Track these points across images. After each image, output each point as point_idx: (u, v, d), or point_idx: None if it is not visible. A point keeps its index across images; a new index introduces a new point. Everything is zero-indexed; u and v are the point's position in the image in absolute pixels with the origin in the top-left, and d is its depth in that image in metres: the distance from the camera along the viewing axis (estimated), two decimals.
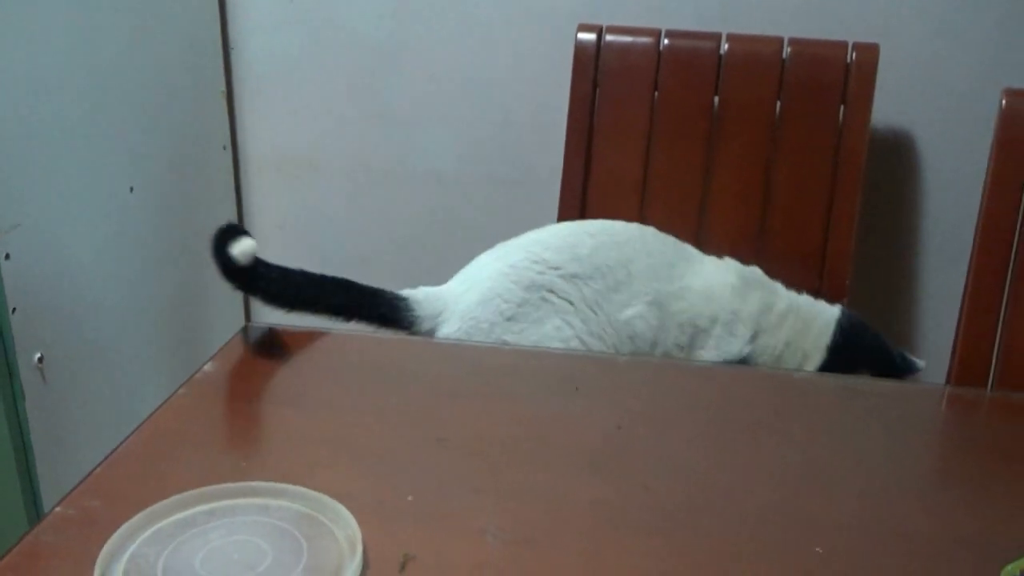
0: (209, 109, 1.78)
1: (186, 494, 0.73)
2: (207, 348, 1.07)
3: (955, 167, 1.62)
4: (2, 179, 1.26)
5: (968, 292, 1.16)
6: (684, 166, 1.53)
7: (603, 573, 0.68)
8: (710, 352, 1.22)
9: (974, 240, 1.17)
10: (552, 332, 1.18)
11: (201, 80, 1.76)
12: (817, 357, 1.25)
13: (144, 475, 0.79)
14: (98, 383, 1.48)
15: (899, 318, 1.72)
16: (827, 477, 0.83)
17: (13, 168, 1.28)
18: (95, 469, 0.80)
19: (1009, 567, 0.66)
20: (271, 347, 1.04)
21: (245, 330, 1.06)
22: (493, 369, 1.02)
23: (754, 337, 1.23)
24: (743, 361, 1.22)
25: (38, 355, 1.33)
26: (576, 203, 1.56)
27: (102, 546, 0.67)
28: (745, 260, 1.30)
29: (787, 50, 1.48)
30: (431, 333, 1.19)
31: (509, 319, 1.18)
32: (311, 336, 1.06)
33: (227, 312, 1.83)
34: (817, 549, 0.72)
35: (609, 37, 1.53)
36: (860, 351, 1.27)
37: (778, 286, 1.29)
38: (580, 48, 1.54)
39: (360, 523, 0.70)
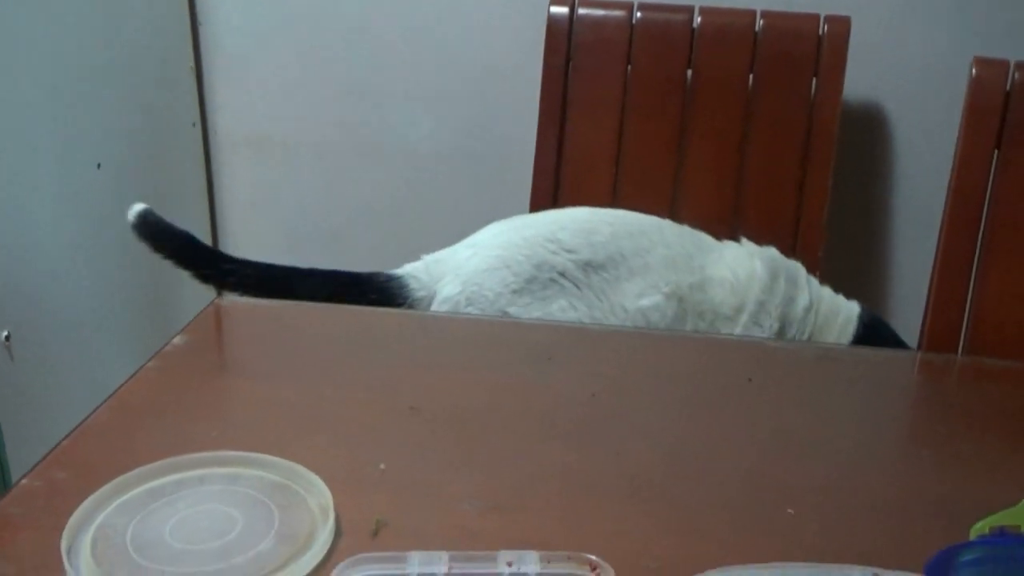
0: (177, 85, 1.76)
1: (155, 464, 0.72)
2: (178, 323, 1.06)
3: (926, 138, 1.63)
4: None
5: (939, 260, 1.16)
6: (657, 139, 1.52)
7: (577, 538, 0.68)
8: None
9: (944, 209, 1.18)
10: (557, 312, 1.16)
11: (169, 56, 1.73)
12: None
13: (112, 446, 0.78)
14: (67, 361, 1.46)
15: (871, 287, 1.73)
16: (800, 442, 0.83)
17: None
18: (62, 441, 0.79)
19: (978, 524, 0.66)
20: (242, 320, 1.03)
21: (216, 303, 1.05)
22: (465, 340, 1.01)
23: (781, 330, 1.21)
24: None
25: (5, 333, 1.31)
26: (549, 178, 1.55)
27: (69, 517, 0.67)
28: (719, 234, 1.30)
29: (760, 23, 1.47)
30: (427, 301, 1.18)
31: (515, 292, 1.16)
32: (282, 308, 1.05)
33: (199, 287, 1.81)
34: (789, 511, 0.72)
35: (582, 10, 1.52)
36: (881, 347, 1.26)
37: (799, 271, 1.26)
38: (552, 21, 1.53)
39: (333, 492, 0.70)
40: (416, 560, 0.54)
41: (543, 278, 1.17)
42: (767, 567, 0.54)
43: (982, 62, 1.19)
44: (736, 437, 0.83)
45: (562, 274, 1.18)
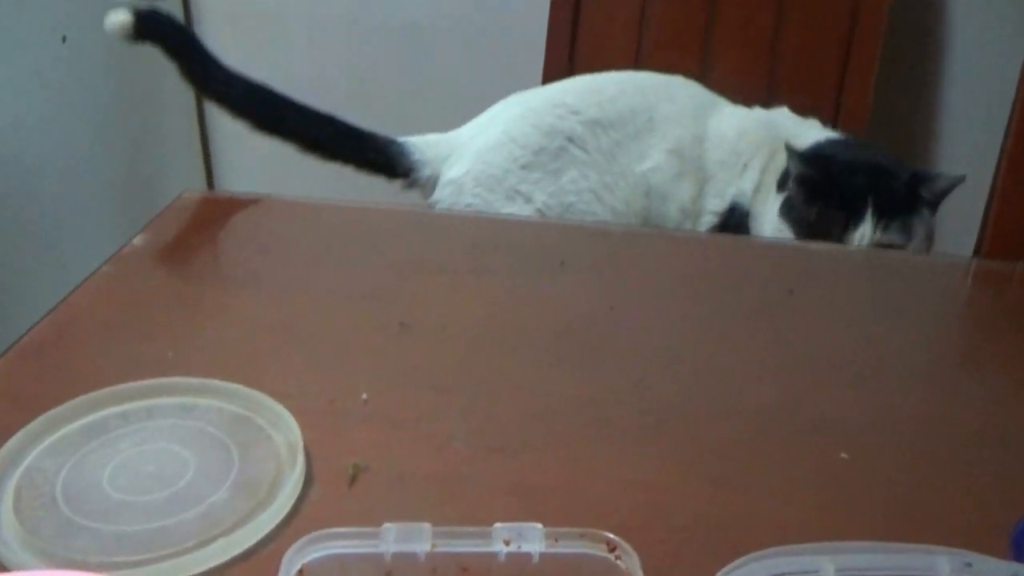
0: None
1: (95, 394, 0.62)
2: (153, 213, 0.93)
3: (992, 17, 1.45)
4: None
5: (1007, 153, 1.02)
6: (683, 11, 1.36)
7: (587, 486, 0.57)
8: (711, 201, 1.12)
9: (1016, 97, 1.03)
10: (568, 185, 1.09)
11: None
12: None
13: (52, 370, 0.67)
14: (35, 253, 1.35)
15: None
16: (851, 369, 0.71)
17: None
18: None
19: None
20: (212, 217, 0.91)
21: (184, 196, 0.92)
22: (467, 241, 0.89)
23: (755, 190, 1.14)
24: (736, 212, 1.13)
25: None
26: (563, 57, 1.40)
27: None
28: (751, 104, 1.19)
29: None
30: (432, 182, 1.10)
31: (523, 167, 1.09)
32: (260, 204, 0.93)
33: (187, 176, 1.68)
34: (842, 455, 0.61)
35: None
36: None
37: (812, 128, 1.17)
38: None
39: (304, 427, 0.59)
40: (392, 535, 0.44)
41: (552, 147, 1.10)
42: (820, 549, 0.43)
43: None
44: (774, 362, 0.72)
45: (570, 139, 1.10)
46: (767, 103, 1.23)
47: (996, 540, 0.51)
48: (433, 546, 0.44)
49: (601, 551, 0.44)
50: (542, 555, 0.44)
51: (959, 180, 1.05)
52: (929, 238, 1.06)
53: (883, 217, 1.02)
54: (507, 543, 0.44)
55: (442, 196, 1.10)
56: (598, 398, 0.66)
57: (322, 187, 1.63)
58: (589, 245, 0.90)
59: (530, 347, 0.72)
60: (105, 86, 1.49)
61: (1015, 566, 0.42)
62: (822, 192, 1.04)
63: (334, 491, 0.57)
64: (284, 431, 0.60)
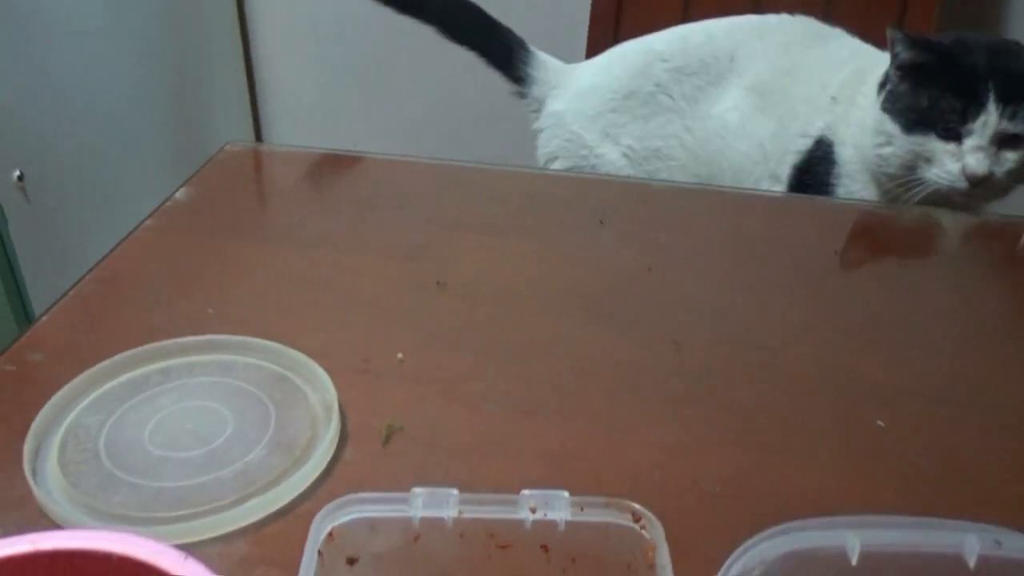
0: None
1: (136, 350, 0.63)
2: (201, 162, 0.94)
3: None
4: None
5: None
6: None
7: (618, 451, 0.57)
8: (795, 140, 1.04)
9: None
10: (655, 130, 1.11)
11: None
12: None
13: (95, 325, 0.69)
14: (85, 199, 1.37)
15: None
16: (896, 334, 0.70)
17: None
18: (41, 317, 0.69)
19: None
20: (255, 171, 0.92)
21: (227, 149, 0.93)
22: (507, 198, 0.88)
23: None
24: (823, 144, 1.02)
25: (17, 173, 1.22)
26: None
27: (40, 410, 0.58)
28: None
29: None
30: (536, 103, 1.16)
31: (614, 110, 1.12)
32: (303, 158, 0.93)
33: (234, 127, 1.69)
34: (879, 423, 0.60)
35: None
36: None
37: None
38: None
39: (339, 387, 0.60)
40: (420, 500, 0.44)
41: (642, 93, 1.11)
42: (847, 523, 0.42)
43: None
44: (818, 326, 0.71)
45: (657, 85, 1.10)
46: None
47: None
48: (460, 512, 0.44)
49: (627, 520, 0.44)
50: (567, 523, 0.44)
51: None
52: None
53: (1009, 103, 0.87)
54: (533, 511, 0.44)
55: (544, 125, 1.16)
56: (633, 360, 0.66)
57: (367, 140, 1.64)
58: (629, 202, 0.89)
59: (566, 307, 0.71)
60: (159, 40, 1.50)
61: None
62: (934, 77, 0.91)
63: (368, 451, 0.57)
64: (320, 391, 0.61)
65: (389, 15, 1.62)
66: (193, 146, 1.60)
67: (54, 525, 0.51)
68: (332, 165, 0.94)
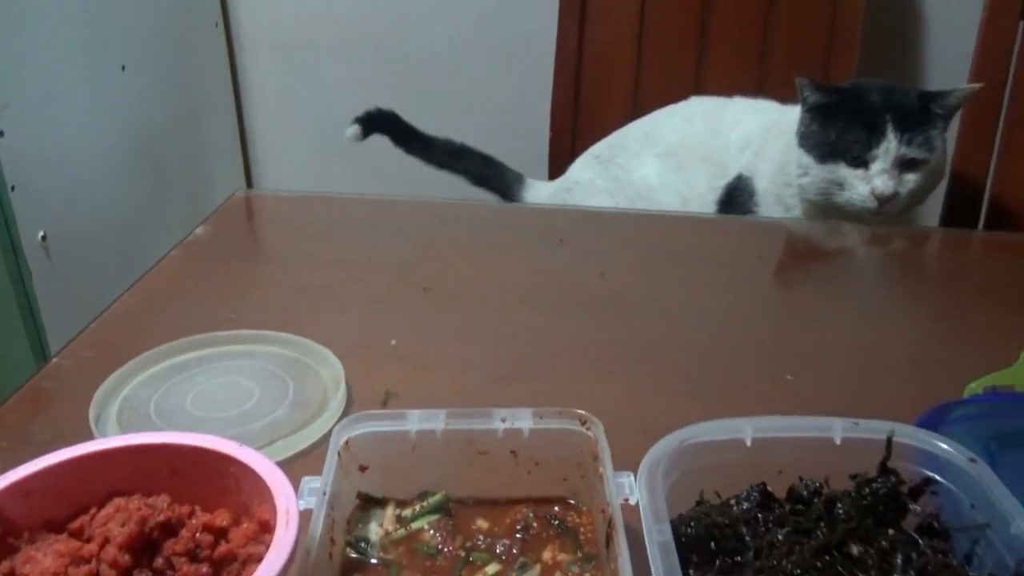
0: None
1: (176, 342, 0.76)
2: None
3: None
4: None
5: (961, 134, 1.14)
6: (678, 25, 1.49)
7: (576, 401, 0.70)
8: (714, 181, 1.21)
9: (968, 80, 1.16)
10: (605, 200, 1.30)
11: None
12: None
13: (136, 328, 0.82)
14: (103, 259, 1.50)
15: None
16: (807, 315, 0.84)
17: (1, 47, 1.27)
18: (90, 324, 0.82)
19: (972, 384, 0.67)
20: (262, 211, 1.06)
21: (237, 195, 1.07)
22: (479, 224, 1.03)
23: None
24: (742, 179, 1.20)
25: (41, 233, 1.35)
26: (572, 63, 1.52)
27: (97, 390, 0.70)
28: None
29: None
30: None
31: (567, 190, 1.35)
32: (300, 200, 1.07)
33: (230, 182, 1.85)
34: (788, 377, 0.73)
35: None
36: None
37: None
38: None
39: (345, 366, 0.73)
40: (416, 417, 0.57)
41: (583, 180, 1.33)
42: (747, 420, 0.56)
43: None
44: (744, 311, 0.85)
45: (595, 175, 1.32)
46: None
47: None
48: (447, 425, 0.57)
49: (575, 425, 0.57)
50: (530, 431, 0.57)
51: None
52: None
53: (906, 131, 1.03)
54: (503, 420, 0.57)
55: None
56: (591, 339, 0.79)
57: (342, 184, 1.80)
58: (584, 226, 1.04)
59: (534, 303, 0.85)
60: (161, 109, 1.66)
61: (894, 424, 0.55)
62: (839, 114, 1.06)
63: (370, 408, 0.70)
64: (329, 368, 0.74)
65: (372, 92, 1.78)
66: (194, 198, 1.75)
67: None
68: (323, 204, 1.08)
